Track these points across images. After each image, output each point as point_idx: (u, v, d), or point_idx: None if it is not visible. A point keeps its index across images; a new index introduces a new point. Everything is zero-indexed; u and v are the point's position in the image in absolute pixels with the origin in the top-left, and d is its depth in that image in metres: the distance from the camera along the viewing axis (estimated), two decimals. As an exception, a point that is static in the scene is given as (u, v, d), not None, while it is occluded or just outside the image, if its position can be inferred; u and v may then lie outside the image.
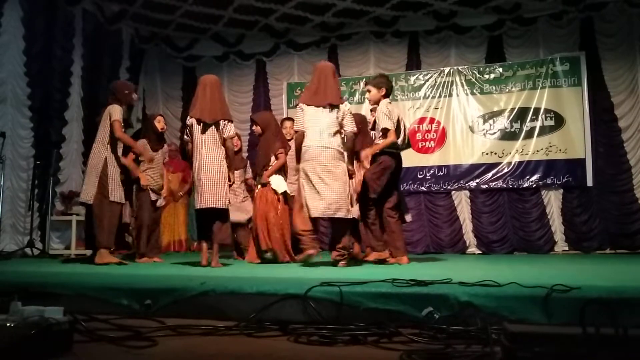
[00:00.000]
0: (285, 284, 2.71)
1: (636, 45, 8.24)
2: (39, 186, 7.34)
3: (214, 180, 5.00)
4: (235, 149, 6.32)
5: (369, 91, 5.24)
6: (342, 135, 4.89)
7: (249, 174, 6.86)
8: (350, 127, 4.88)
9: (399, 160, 5.16)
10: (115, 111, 5.27)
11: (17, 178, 7.26)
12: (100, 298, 2.78)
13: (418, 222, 8.80)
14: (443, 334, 2.08)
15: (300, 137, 4.90)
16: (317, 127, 4.80)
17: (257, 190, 5.84)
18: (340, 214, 4.76)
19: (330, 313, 2.39)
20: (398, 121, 5.10)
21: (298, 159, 4.96)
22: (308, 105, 4.89)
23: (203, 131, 5.07)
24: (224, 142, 5.11)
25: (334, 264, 4.69)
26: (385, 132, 5.01)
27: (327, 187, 4.71)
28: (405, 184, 8.70)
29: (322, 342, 2.05)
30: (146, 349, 1.96)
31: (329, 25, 9.26)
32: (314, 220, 4.89)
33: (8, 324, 1.79)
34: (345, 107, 4.90)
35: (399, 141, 5.13)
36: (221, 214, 5.10)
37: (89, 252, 6.09)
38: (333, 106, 4.85)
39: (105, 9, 8.67)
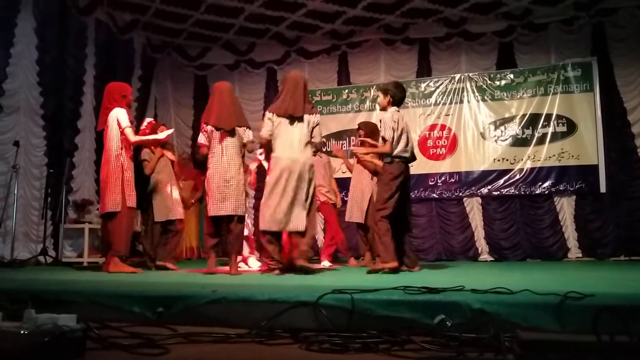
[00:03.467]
0: (296, 291, 2.70)
1: (648, 50, 8.19)
2: (52, 194, 7.40)
3: (234, 188, 4.99)
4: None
5: (378, 96, 5.31)
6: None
7: None
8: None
9: (407, 168, 5.13)
10: (124, 117, 5.20)
11: (30, 186, 7.32)
12: (113, 306, 2.78)
13: (430, 229, 8.79)
14: (455, 341, 2.07)
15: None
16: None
17: None
18: None
19: (342, 321, 2.38)
20: (401, 132, 5.04)
21: None
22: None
23: (222, 138, 5.07)
24: (244, 146, 5.16)
25: None
26: (384, 140, 5.03)
27: None
28: (416, 191, 8.68)
29: (333, 350, 2.04)
30: (158, 356, 1.96)
31: (340, 33, 9.29)
32: None
33: (22, 332, 1.80)
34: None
35: (400, 149, 5.01)
36: (240, 221, 5.09)
37: (102, 260, 6.11)
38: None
39: (118, 18, 8.76)
